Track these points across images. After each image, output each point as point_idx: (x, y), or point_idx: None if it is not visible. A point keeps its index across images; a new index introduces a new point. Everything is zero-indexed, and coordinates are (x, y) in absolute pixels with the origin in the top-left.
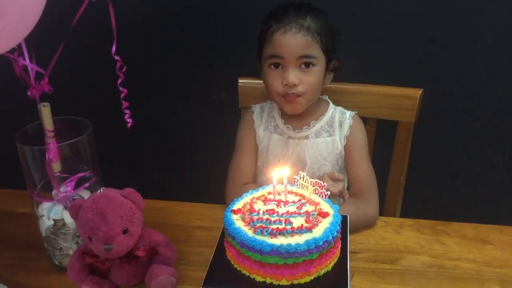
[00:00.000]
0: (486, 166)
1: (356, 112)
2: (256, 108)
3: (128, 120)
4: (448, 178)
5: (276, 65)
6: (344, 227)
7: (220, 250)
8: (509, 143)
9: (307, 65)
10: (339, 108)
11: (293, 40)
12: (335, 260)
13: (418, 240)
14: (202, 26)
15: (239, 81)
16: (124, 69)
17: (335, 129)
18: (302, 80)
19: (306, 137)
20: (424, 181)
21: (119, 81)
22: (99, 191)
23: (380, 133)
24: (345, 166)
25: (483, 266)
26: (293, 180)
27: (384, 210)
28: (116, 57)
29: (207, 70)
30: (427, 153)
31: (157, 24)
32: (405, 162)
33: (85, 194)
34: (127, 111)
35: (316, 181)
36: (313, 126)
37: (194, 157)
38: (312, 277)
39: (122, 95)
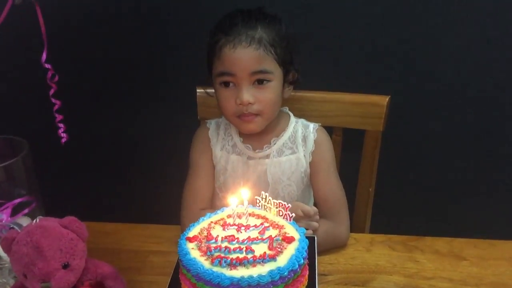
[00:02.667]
0: (457, 175)
1: (320, 124)
2: (212, 124)
3: (62, 135)
4: (418, 188)
5: (228, 83)
6: (312, 250)
7: (174, 282)
8: (481, 152)
9: (262, 81)
10: (301, 121)
11: (244, 55)
12: None
13: (390, 258)
14: (149, 26)
15: (198, 90)
16: (56, 78)
17: (298, 145)
18: (258, 98)
19: (268, 156)
20: (394, 192)
21: (51, 92)
22: (34, 221)
23: (347, 143)
24: (311, 184)
25: (459, 284)
26: (254, 201)
27: (353, 223)
28: (47, 65)
29: (158, 76)
30: (396, 162)
31: (95, 27)
32: (373, 173)
33: (25, 222)
34: (61, 125)
35: (279, 202)
36: (274, 144)
37: (149, 173)
38: None
39: (55, 107)
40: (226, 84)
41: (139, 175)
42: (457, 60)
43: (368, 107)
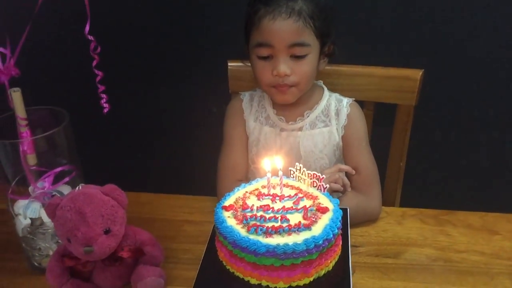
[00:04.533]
0: (490, 151)
1: (354, 98)
2: (245, 96)
3: (104, 105)
4: (450, 163)
5: (266, 55)
6: (345, 222)
7: (211, 250)
8: None
9: (300, 53)
10: (335, 95)
11: (283, 26)
12: (336, 259)
13: (421, 231)
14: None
15: (229, 64)
16: (99, 49)
17: (332, 119)
18: (294, 70)
19: (300, 129)
20: (425, 167)
21: (94, 63)
22: (77, 188)
23: (378, 117)
24: (344, 158)
25: (491, 258)
26: (288, 172)
27: (383, 197)
28: (90, 37)
29: (192, 51)
30: (427, 137)
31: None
32: (405, 147)
33: (66, 190)
34: (104, 96)
35: (314, 173)
36: (308, 117)
37: (182, 145)
38: (311, 279)
39: (98, 78)
40: (264, 57)
41: (172, 148)
42: (493, 32)
43: (401, 81)
